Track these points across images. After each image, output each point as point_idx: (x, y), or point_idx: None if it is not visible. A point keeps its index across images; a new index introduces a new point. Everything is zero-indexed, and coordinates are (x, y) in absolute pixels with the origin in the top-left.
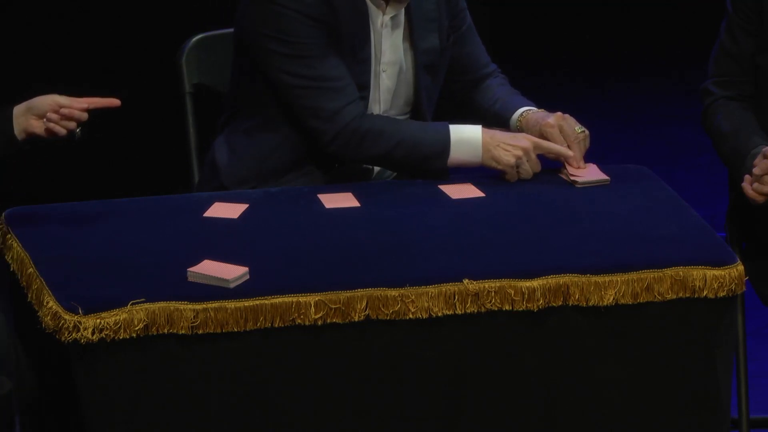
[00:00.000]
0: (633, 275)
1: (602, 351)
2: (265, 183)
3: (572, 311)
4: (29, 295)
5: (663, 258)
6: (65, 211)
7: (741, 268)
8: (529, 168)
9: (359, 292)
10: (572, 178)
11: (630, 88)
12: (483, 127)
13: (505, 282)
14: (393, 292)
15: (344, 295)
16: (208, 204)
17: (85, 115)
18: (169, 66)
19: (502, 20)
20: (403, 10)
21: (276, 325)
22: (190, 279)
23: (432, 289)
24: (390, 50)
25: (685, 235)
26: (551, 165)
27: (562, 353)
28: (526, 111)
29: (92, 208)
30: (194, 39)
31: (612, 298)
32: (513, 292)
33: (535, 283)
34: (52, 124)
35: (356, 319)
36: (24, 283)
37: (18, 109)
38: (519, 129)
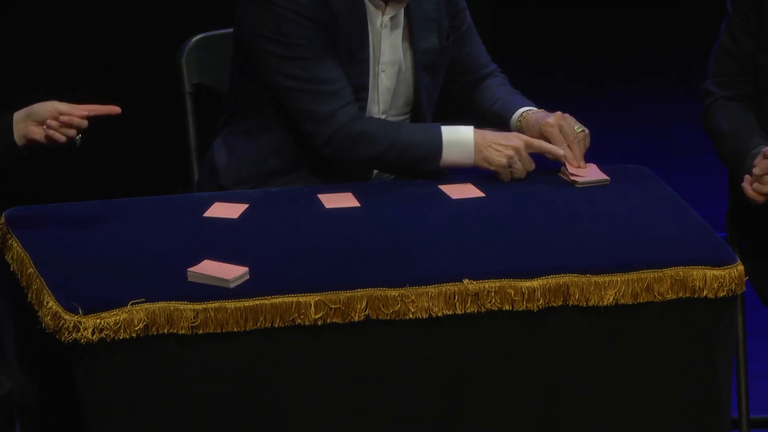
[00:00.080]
0: (633, 275)
1: (602, 351)
2: (265, 184)
3: (572, 311)
4: (29, 295)
5: (663, 258)
6: (65, 211)
7: (741, 268)
8: (522, 167)
9: (359, 292)
10: (572, 178)
11: (630, 88)
12: (475, 127)
13: (505, 282)
14: (393, 292)
15: (344, 295)
16: (208, 204)
17: (85, 123)
18: (169, 66)
19: (502, 20)
20: (402, 10)
21: (276, 325)
22: (190, 279)
23: (432, 289)
24: (389, 50)
25: (685, 235)
26: (551, 165)
27: (562, 353)
28: (526, 111)
29: (92, 208)
30: (194, 39)
31: (612, 298)
32: (513, 292)
33: (535, 283)
34: (51, 131)
35: (356, 319)
36: (24, 283)
37: (18, 115)
38: (519, 129)
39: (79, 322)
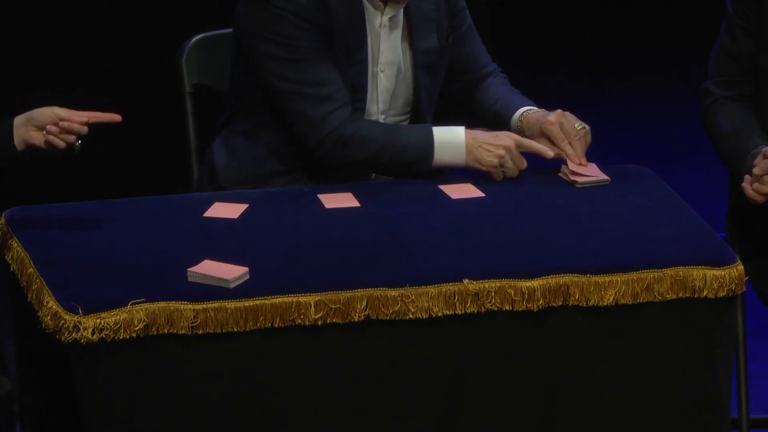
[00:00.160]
0: (633, 275)
1: (602, 351)
2: (264, 184)
3: (572, 311)
4: (29, 295)
5: (663, 258)
6: (65, 211)
7: (741, 268)
8: (514, 166)
9: (359, 292)
10: (572, 178)
11: (630, 88)
12: (466, 127)
13: (505, 282)
14: (393, 292)
15: (344, 295)
16: (208, 204)
17: (84, 129)
18: (169, 66)
19: (502, 20)
20: (401, 10)
21: (276, 325)
22: (190, 279)
23: (432, 289)
24: (388, 50)
25: (685, 235)
26: (552, 165)
27: (562, 353)
28: (527, 111)
29: (92, 208)
30: (194, 39)
31: (612, 298)
32: (513, 292)
33: (535, 283)
34: (51, 137)
35: (356, 319)
36: (24, 283)
37: (18, 120)
38: (520, 129)
39: (79, 322)
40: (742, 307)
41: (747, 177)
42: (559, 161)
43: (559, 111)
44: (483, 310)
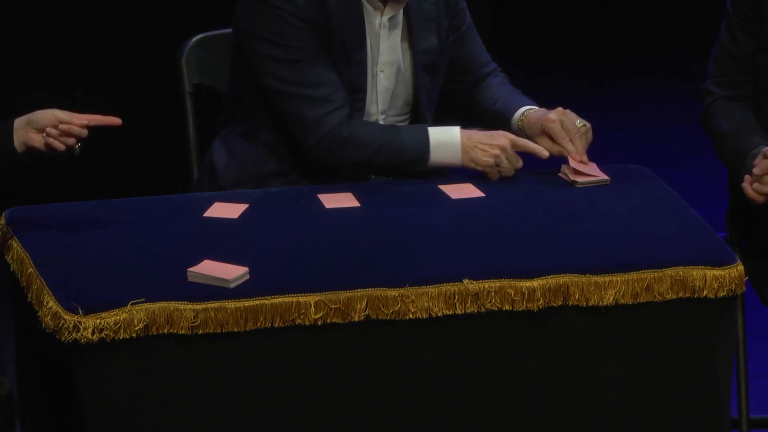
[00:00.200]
0: (633, 275)
1: (602, 351)
2: (264, 185)
3: (572, 311)
4: (29, 295)
5: (663, 258)
6: (65, 211)
7: (741, 268)
8: (509, 165)
9: (359, 292)
10: (572, 178)
11: (630, 87)
12: (462, 127)
13: (505, 282)
14: (393, 292)
15: (344, 295)
16: (208, 204)
17: (84, 132)
18: (169, 66)
19: (502, 20)
20: (401, 10)
21: (276, 325)
22: (190, 279)
23: (432, 289)
24: (388, 50)
25: (685, 235)
26: (552, 165)
27: (562, 353)
28: (527, 110)
29: (92, 208)
30: (194, 39)
31: (612, 298)
32: (513, 292)
33: (535, 283)
34: (51, 140)
35: (356, 319)
36: (24, 283)
37: (19, 122)
38: (521, 128)
39: (79, 322)
40: (742, 307)
41: (747, 177)
42: (558, 161)
43: (560, 108)
44: (483, 310)
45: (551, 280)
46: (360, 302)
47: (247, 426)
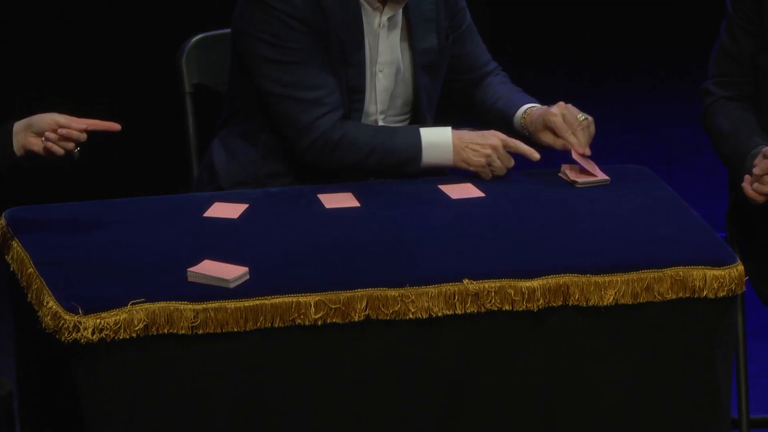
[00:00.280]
0: (633, 275)
1: (602, 351)
2: (264, 185)
3: (572, 311)
4: (29, 295)
5: (663, 258)
6: (65, 211)
7: (741, 268)
8: (501, 165)
9: (359, 292)
10: (572, 178)
11: (630, 87)
12: (453, 128)
13: (505, 282)
14: (393, 292)
15: (344, 295)
16: (208, 204)
17: (83, 136)
18: (169, 66)
19: (502, 20)
20: (400, 10)
21: (276, 325)
22: (190, 279)
23: (432, 289)
24: (387, 50)
25: (685, 235)
26: (552, 165)
27: (562, 353)
28: (529, 108)
29: (92, 208)
30: (194, 39)
31: (612, 298)
32: (513, 292)
33: (535, 283)
34: (49, 144)
35: (356, 319)
36: (24, 283)
37: (18, 126)
38: (523, 126)
39: (79, 322)
40: (742, 307)
41: (747, 177)
42: (558, 161)
43: (561, 103)
44: (483, 310)
45: (551, 280)
46: (360, 302)
47: (247, 426)
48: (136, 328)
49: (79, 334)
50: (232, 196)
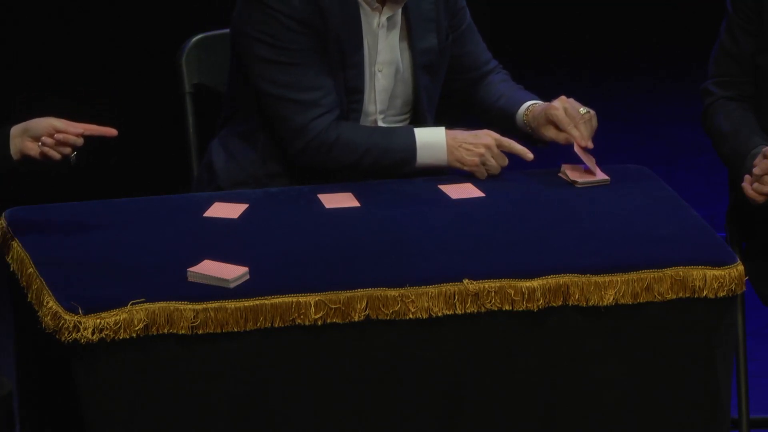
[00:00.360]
0: (633, 275)
1: (602, 351)
2: (263, 186)
3: (572, 311)
4: (29, 295)
5: (663, 258)
6: (65, 211)
7: (741, 268)
8: (495, 164)
9: (359, 292)
10: (572, 178)
11: (630, 87)
12: (446, 128)
13: (505, 282)
14: (393, 292)
15: (344, 295)
16: (208, 204)
17: (80, 141)
18: (169, 66)
19: (502, 20)
20: (400, 10)
21: (276, 325)
22: (190, 279)
23: (432, 289)
24: (386, 50)
25: (685, 235)
26: (552, 165)
27: (562, 353)
28: (531, 104)
29: (92, 208)
30: (194, 39)
31: (612, 298)
32: (513, 292)
33: (535, 283)
34: (46, 149)
35: (356, 319)
36: (24, 283)
37: (15, 130)
38: (526, 122)
39: (79, 322)
40: (742, 307)
41: (747, 177)
42: (558, 161)
43: (563, 97)
44: (483, 310)
45: (551, 280)
46: (360, 302)
47: (247, 426)
48: (136, 328)
49: (79, 334)
50: (232, 196)
